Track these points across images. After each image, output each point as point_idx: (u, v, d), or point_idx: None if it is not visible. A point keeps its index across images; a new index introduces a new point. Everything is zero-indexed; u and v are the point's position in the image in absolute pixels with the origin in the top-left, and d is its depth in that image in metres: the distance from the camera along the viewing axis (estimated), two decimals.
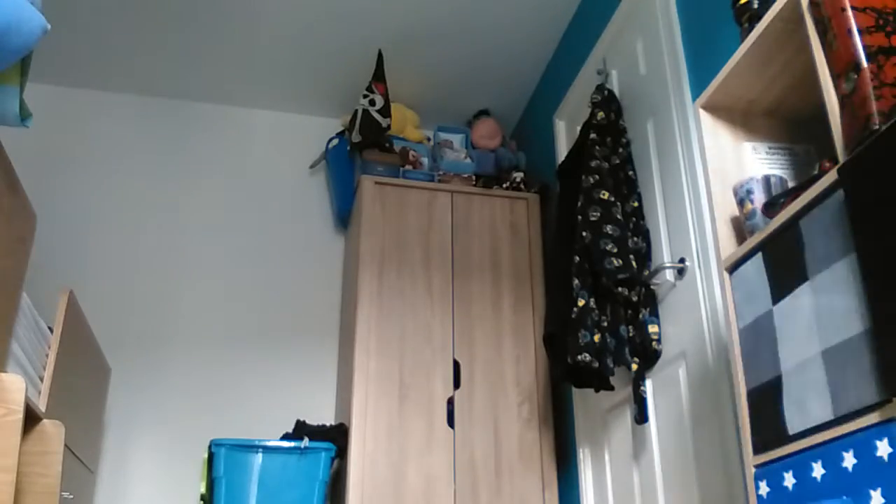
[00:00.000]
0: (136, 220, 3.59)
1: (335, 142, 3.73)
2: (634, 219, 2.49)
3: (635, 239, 2.45)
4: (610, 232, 2.39)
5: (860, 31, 1.24)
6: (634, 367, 2.34)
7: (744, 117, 1.70)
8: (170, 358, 3.37)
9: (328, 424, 3.12)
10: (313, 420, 3.32)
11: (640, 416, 2.31)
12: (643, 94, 2.61)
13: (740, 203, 1.56)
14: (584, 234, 2.44)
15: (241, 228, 3.69)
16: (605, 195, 2.46)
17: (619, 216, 2.44)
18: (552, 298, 2.73)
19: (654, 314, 2.35)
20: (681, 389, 2.21)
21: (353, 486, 2.78)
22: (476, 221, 3.34)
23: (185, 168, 3.74)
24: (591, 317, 2.38)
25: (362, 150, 3.46)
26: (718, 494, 1.99)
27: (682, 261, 2.27)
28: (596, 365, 2.32)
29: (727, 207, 1.61)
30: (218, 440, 2.79)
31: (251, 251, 3.65)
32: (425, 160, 3.58)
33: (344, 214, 3.60)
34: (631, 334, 2.37)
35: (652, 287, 2.37)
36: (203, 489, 2.80)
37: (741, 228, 1.58)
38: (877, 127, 1.17)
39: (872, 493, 1.11)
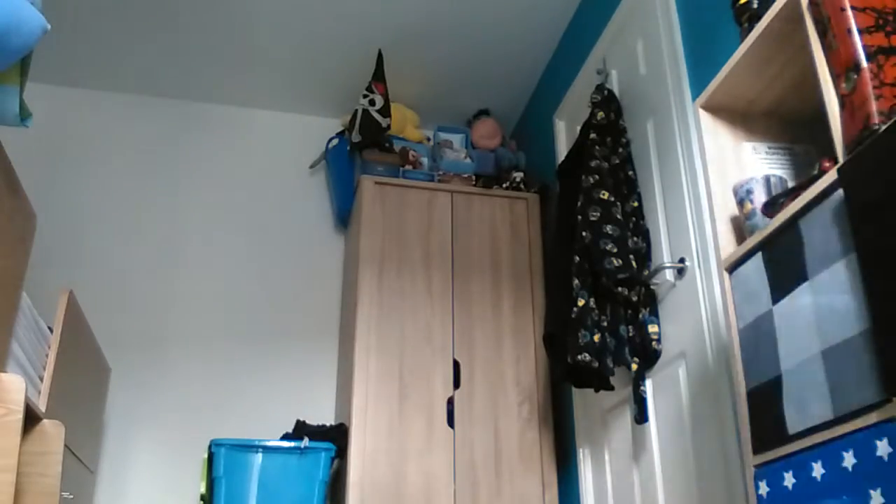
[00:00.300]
0: (136, 220, 3.59)
1: (335, 142, 3.73)
2: (634, 219, 2.49)
3: (635, 239, 2.45)
4: (610, 232, 2.39)
5: (860, 31, 1.24)
6: (634, 367, 2.34)
7: (744, 117, 1.70)
8: (170, 358, 3.37)
9: (328, 424, 3.12)
10: (313, 420, 3.32)
11: (640, 416, 2.31)
12: (643, 94, 2.61)
13: (740, 203, 1.56)
14: (584, 234, 2.44)
15: (241, 228, 3.69)
16: (605, 195, 2.46)
17: (619, 216, 2.44)
18: (552, 298, 2.73)
19: (654, 314, 2.35)
20: (681, 389, 2.21)
21: (353, 486, 2.78)
22: (476, 221, 3.34)
23: (185, 168, 3.74)
24: (591, 317, 2.38)
25: (362, 150, 3.46)
26: (718, 494, 1.99)
27: (682, 261, 2.27)
28: (596, 365, 2.32)
29: (727, 207, 1.61)
30: (218, 440, 2.79)
31: (251, 251, 3.65)
32: (425, 160, 3.58)
33: (344, 214, 3.60)
34: (631, 334, 2.37)
35: (652, 287, 2.37)
36: (203, 489, 2.80)
37: (741, 228, 1.58)
38: (877, 127, 1.18)
39: (872, 493, 1.11)
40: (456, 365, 3.06)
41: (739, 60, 1.56)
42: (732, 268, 1.51)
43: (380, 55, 3.49)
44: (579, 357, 2.32)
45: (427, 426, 2.93)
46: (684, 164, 2.32)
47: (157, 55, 3.55)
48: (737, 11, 1.64)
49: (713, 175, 1.63)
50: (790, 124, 1.72)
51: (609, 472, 2.65)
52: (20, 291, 1.85)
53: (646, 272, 2.41)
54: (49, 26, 1.54)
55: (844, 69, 1.26)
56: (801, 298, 1.29)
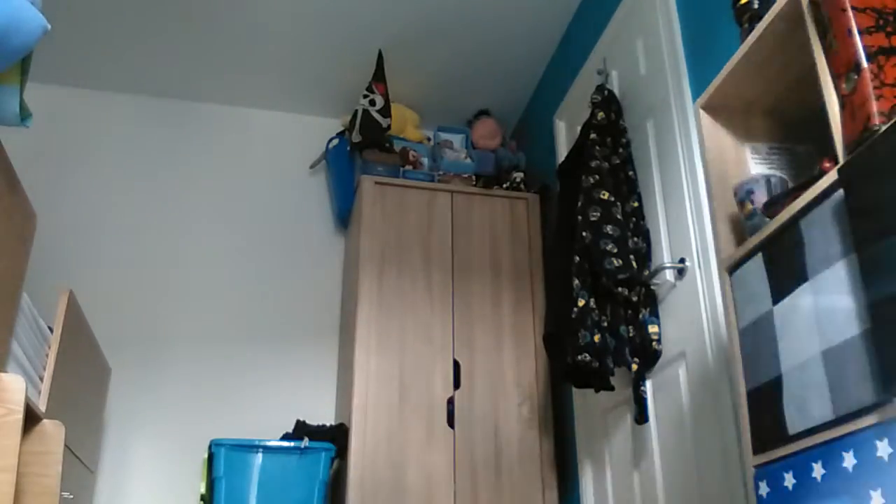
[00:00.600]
0: (137, 219, 3.59)
1: (335, 142, 3.73)
2: (634, 219, 2.49)
3: (635, 239, 2.45)
4: (610, 232, 2.39)
5: (860, 32, 1.24)
6: (634, 367, 2.34)
7: (744, 117, 1.70)
8: (170, 358, 3.37)
9: (328, 424, 3.12)
10: (313, 420, 3.32)
11: (640, 417, 2.31)
12: (643, 94, 2.61)
13: (740, 203, 1.56)
14: (584, 234, 2.44)
15: (241, 228, 3.69)
16: (605, 195, 2.46)
17: (619, 216, 2.44)
18: (552, 298, 2.73)
19: (654, 314, 2.35)
20: (681, 389, 2.21)
21: (353, 486, 2.78)
22: (476, 221, 3.34)
23: (185, 168, 3.74)
24: (591, 317, 2.38)
25: (362, 150, 3.46)
26: (718, 494, 1.99)
27: (682, 261, 2.27)
28: (596, 365, 2.32)
29: (727, 207, 1.61)
30: (218, 440, 2.79)
31: (251, 251, 3.65)
32: (425, 160, 3.58)
33: (344, 214, 3.60)
34: (631, 334, 2.37)
35: (652, 287, 2.37)
36: (203, 489, 2.80)
37: (741, 228, 1.58)
38: (877, 127, 1.18)
39: (872, 493, 1.11)
40: (456, 365, 3.06)
41: (739, 60, 1.56)
42: (732, 268, 1.51)
43: (380, 55, 3.49)
44: (579, 357, 2.32)
45: (427, 426, 2.93)
46: (684, 164, 2.32)
47: (157, 55, 3.55)
48: (737, 11, 1.64)
49: (713, 175, 1.63)
50: (790, 124, 1.72)
51: (609, 472, 2.65)
52: (20, 291, 1.85)
53: (646, 272, 2.41)
54: (49, 26, 1.54)
55: (845, 69, 1.26)
56: (801, 298, 1.29)
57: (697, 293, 2.16)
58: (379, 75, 3.47)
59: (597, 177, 2.50)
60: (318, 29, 3.41)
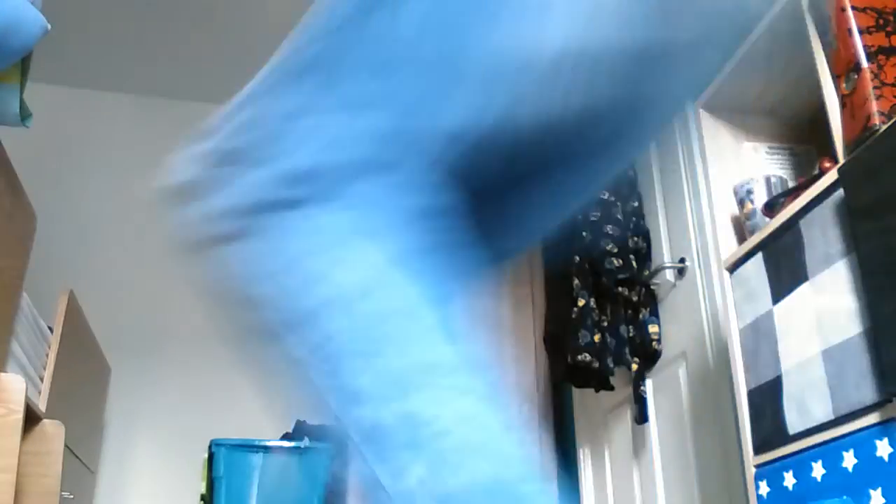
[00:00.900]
0: (137, 220, 3.59)
1: None
2: (634, 219, 2.49)
3: (635, 239, 2.45)
4: (610, 232, 2.39)
5: (860, 31, 1.24)
6: (634, 367, 2.34)
7: (744, 117, 1.70)
8: (170, 358, 3.37)
9: (328, 424, 3.12)
10: (313, 420, 3.31)
11: (640, 416, 2.31)
12: None
13: (740, 203, 1.57)
14: (584, 234, 2.44)
15: None
16: (606, 195, 2.46)
17: (619, 216, 2.44)
18: (552, 298, 2.73)
19: (654, 314, 2.35)
20: (681, 389, 2.21)
21: (354, 485, 2.78)
22: None
23: None
24: (591, 317, 2.38)
25: None
26: (718, 494, 1.99)
27: (682, 261, 2.27)
28: (596, 365, 2.32)
29: (727, 207, 1.61)
30: (218, 440, 2.79)
31: None
32: None
33: None
34: (631, 334, 2.37)
35: (652, 287, 2.37)
36: (203, 489, 2.80)
37: (741, 228, 1.58)
38: (877, 127, 1.18)
39: (872, 493, 1.11)
40: None
41: (739, 60, 1.56)
42: (733, 268, 1.51)
43: None
44: (579, 357, 2.32)
45: None
46: (684, 164, 2.32)
47: (158, 55, 3.55)
48: None
49: (713, 175, 1.63)
50: (790, 124, 1.72)
51: (609, 472, 2.65)
52: (20, 291, 1.85)
53: (646, 272, 2.41)
54: (49, 26, 1.54)
55: (845, 69, 1.26)
56: (801, 298, 1.29)
57: (697, 293, 2.16)
58: None
59: None
60: None
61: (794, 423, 1.28)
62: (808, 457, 1.24)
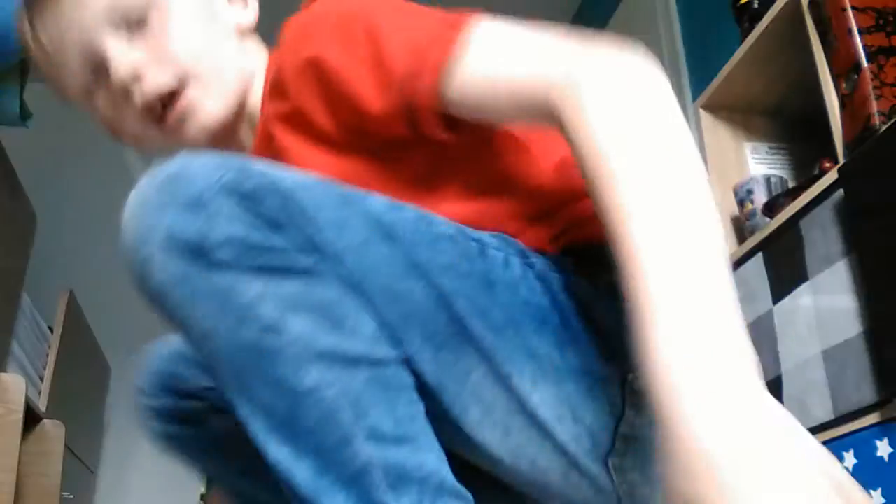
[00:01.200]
0: None
1: None
2: None
3: None
4: None
5: (860, 31, 1.24)
6: None
7: (744, 117, 1.70)
8: None
9: None
10: None
11: None
12: None
13: (740, 203, 1.57)
14: None
15: None
16: None
17: None
18: None
19: None
20: None
21: None
22: None
23: None
24: None
25: None
26: None
27: None
28: None
29: (727, 207, 1.61)
30: None
31: None
32: None
33: None
34: None
35: None
36: (203, 489, 2.79)
37: (741, 228, 1.58)
38: (877, 127, 1.18)
39: (872, 493, 1.11)
40: None
41: (739, 60, 1.56)
42: (733, 268, 1.51)
43: None
44: None
45: None
46: None
47: None
48: (737, 11, 1.64)
49: (713, 175, 1.63)
50: (790, 124, 1.72)
51: None
52: (20, 291, 1.85)
53: None
54: None
55: (845, 69, 1.26)
56: (801, 298, 1.29)
57: None
58: None
59: None
60: None
61: None
62: None
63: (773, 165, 1.66)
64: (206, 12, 0.80)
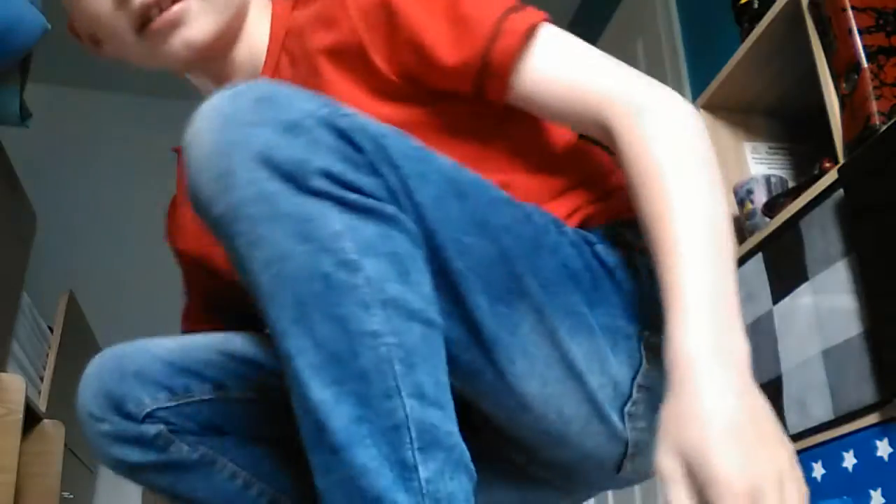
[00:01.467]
0: (137, 220, 3.59)
1: None
2: None
3: None
4: None
5: (860, 31, 1.24)
6: None
7: (744, 117, 1.70)
8: None
9: None
10: None
11: None
12: None
13: (740, 203, 1.56)
14: None
15: None
16: None
17: None
18: None
19: None
20: None
21: None
22: None
23: None
24: None
25: None
26: None
27: None
28: None
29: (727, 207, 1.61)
30: None
31: None
32: None
33: None
34: None
35: None
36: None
37: (741, 228, 1.58)
38: (877, 127, 1.18)
39: (872, 493, 1.11)
40: None
41: (739, 60, 1.56)
42: None
43: None
44: None
45: None
46: None
47: None
48: (737, 11, 1.64)
49: None
50: (790, 124, 1.72)
51: None
52: (20, 291, 1.85)
53: None
54: (49, 26, 1.54)
55: (844, 69, 1.26)
56: (801, 298, 1.29)
57: None
58: None
59: None
60: None
61: (794, 424, 1.28)
62: (808, 457, 1.24)
63: (773, 165, 1.66)
64: None
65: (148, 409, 0.80)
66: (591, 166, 0.78)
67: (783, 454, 0.54)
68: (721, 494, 0.51)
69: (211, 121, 0.59)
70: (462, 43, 0.68)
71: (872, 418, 1.13)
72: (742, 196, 1.55)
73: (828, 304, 1.23)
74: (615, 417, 0.70)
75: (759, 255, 1.42)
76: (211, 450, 0.82)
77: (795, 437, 1.27)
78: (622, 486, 0.82)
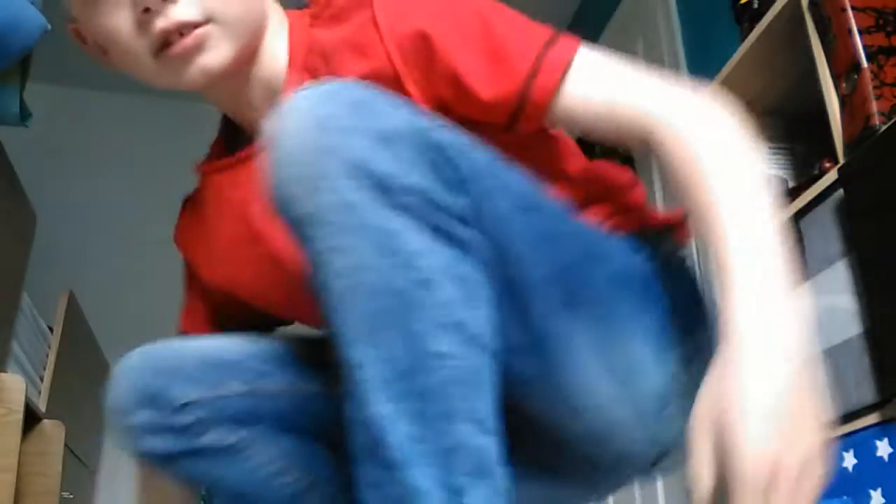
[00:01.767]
0: (137, 220, 3.59)
1: None
2: None
3: None
4: None
5: (860, 31, 1.24)
6: None
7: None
8: None
9: None
10: None
11: None
12: None
13: None
14: None
15: None
16: None
17: None
18: None
19: None
20: None
21: None
22: None
23: (185, 168, 3.73)
24: None
25: None
26: None
27: None
28: None
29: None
30: None
31: None
32: None
33: None
34: None
35: None
36: (203, 489, 2.79)
37: None
38: (877, 127, 1.18)
39: (872, 493, 1.11)
40: None
41: (739, 60, 1.56)
42: None
43: None
44: None
45: None
46: None
47: None
48: (737, 11, 1.64)
49: None
50: (790, 124, 1.72)
51: None
52: (20, 291, 1.85)
53: None
54: (49, 26, 1.54)
55: (844, 69, 1.26)
56: (801, 298, 1.29)
57: None
58: None
59: None
60: None
61: None
62: None
63: (773, 165, 1.66)
64: None
65: (183, 402, 0.80)
66: (609, 183, 0.81)
67: (811, 446, 0.54)
68: (736, 468, 0.51)
69: (304, 119, 0.58)
70: (501, 79, 0.69)
71: (872, 418, 1.13)
72: None
73: (828, 304, 1.23)
74: (656, 421, 0.72)
75: None
76: (247, 435, 0.82)
77: None
78: (649, 479, 0.84)
